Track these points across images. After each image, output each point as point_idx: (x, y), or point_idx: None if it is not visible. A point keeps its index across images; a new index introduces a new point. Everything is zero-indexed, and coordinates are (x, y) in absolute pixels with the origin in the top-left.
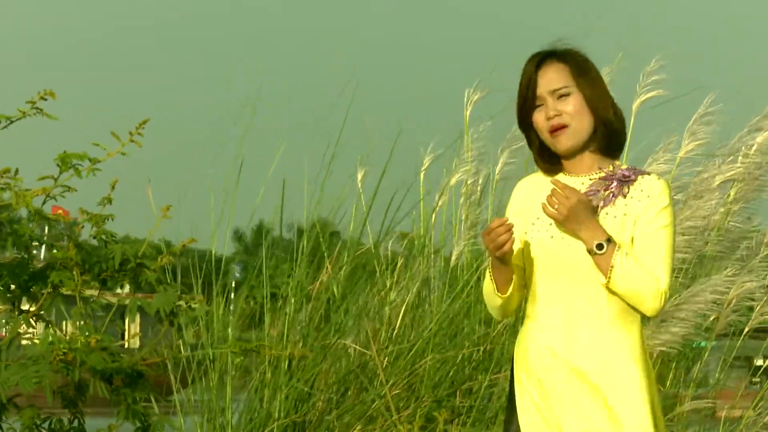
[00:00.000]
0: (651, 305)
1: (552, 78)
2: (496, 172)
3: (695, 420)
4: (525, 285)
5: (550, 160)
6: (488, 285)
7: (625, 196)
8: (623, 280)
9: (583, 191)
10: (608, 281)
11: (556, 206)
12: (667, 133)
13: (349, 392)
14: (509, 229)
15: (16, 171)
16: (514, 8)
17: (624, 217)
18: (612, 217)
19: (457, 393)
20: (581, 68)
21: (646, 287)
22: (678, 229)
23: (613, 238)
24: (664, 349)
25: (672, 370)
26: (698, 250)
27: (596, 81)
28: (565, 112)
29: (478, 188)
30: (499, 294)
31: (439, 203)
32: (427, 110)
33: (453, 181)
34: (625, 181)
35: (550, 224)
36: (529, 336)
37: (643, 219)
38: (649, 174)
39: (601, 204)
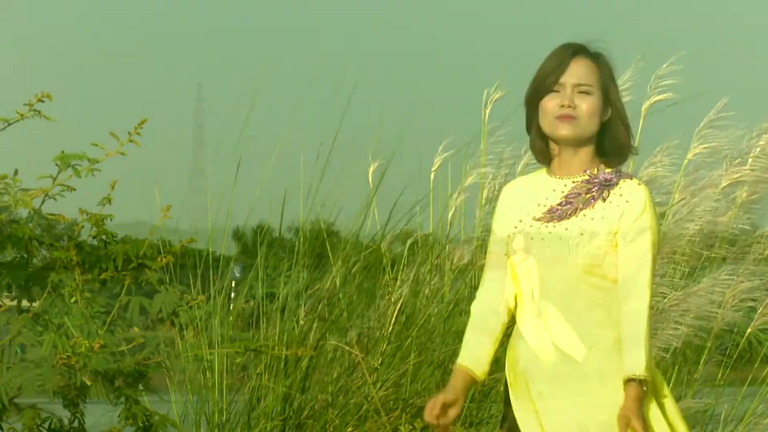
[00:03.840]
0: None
1: (581, 73)
2: (517, 172)
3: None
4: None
5: (541, 153)
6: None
7: (604, 200)
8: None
9: (565, 193)
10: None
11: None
12: (669, 137)
13: (340, 393)
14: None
15: (15, 172)
16: (533, 10)
17: (602, 220)
18: (589, 219)
19: None
20: (609, 76)
21: (646, 312)
22: (679, 231)
23: (641, 375)
24: (661, 351)
25: (675, 371)
26: (699, 252)
27: (616, 93)
28: (580, 108)
29: (491, 190)
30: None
31: (444, 204)
32: (442, 110)
33: (468, 181)
34: (607, 185)
35: (530, 226)
36: (517, 333)
37: (624, 227)
38: (631, 178)
39: (580, 206)
